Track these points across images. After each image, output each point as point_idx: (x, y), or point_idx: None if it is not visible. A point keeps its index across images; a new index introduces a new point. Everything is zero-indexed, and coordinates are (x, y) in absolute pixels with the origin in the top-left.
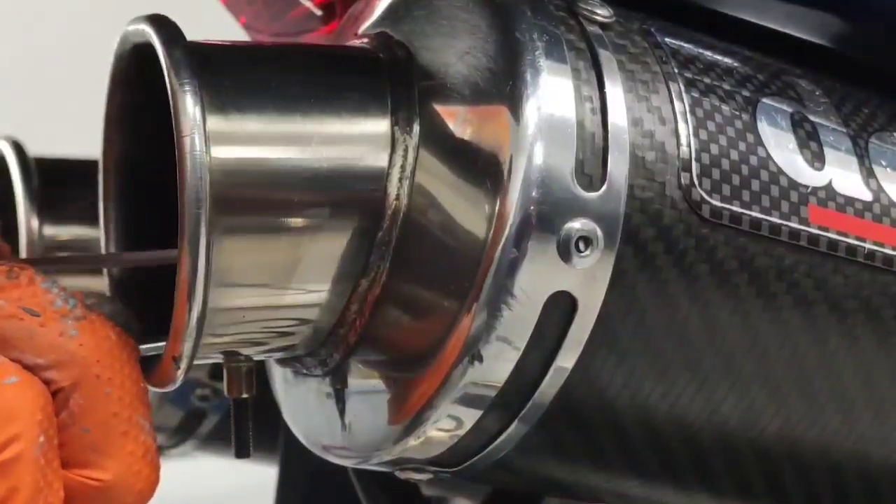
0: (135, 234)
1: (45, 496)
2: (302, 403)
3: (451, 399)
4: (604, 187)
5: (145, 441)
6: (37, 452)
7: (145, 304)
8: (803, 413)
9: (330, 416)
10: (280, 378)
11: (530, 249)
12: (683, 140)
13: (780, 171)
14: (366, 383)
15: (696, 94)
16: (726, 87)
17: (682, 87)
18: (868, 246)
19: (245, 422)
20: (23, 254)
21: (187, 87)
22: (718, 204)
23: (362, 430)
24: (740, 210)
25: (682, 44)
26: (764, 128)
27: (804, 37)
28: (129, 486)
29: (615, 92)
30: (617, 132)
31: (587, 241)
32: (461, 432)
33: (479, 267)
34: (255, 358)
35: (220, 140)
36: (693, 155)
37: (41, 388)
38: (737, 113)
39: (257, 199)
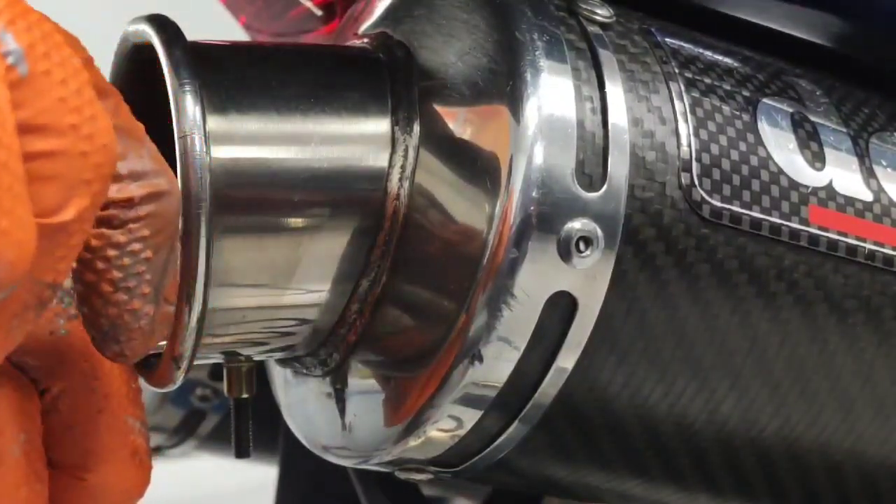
0: None
1: (26, 493)
2: (302, 403)
3: (452, 399)
4: (604, 187)
5: (134, 441)
6: (17, 451)
7: None
8: (803, 413)
9: (330, 416)
10: (280, 378)
11: (530, 249)
12: (684, 140)
13: (781, 172)
14: (366, 383)
15: (696, 94)
16: (726, 87)
17: (683, 87)
18: (868, 246)
19: (245, 422)
20: None
21: (187, 87)
22: (719, 204)
23: (362, 430)
24: (740, 210)
25: (682, 44)
26: (764, 128)
27: (804, 37)
28: (114, 485)
29: (615, 92)
30: (617, 132)
31: (587, 241)
32: (461, 432)
33: (479, 267)
34: (256, 358)
35: (220, 140)
36: (693, 155)
37: (25, 387)
38: (737, 113)
39: (257, 199)
